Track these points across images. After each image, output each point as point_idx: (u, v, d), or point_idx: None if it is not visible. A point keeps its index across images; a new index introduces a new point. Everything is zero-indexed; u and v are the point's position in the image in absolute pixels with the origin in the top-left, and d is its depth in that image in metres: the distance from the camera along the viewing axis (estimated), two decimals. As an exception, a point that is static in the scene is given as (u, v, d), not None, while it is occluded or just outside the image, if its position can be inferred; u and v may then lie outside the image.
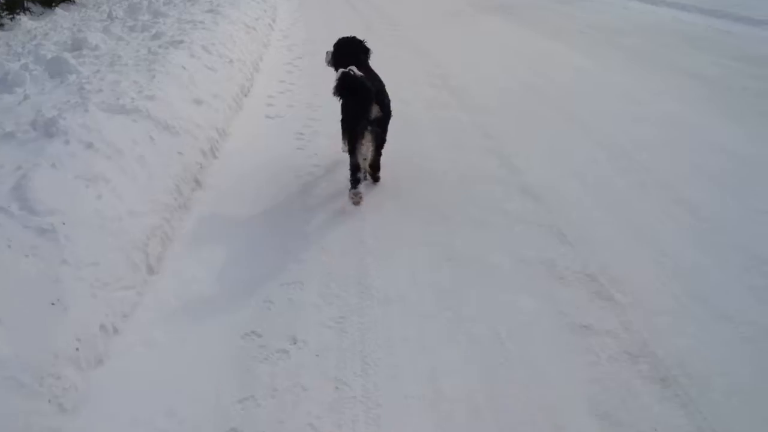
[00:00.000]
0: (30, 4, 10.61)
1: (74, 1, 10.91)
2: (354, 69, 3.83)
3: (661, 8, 13.42)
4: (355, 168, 3.89)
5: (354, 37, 4.35)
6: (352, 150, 3.88)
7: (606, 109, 5.99)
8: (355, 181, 3.89)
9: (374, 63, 4.48)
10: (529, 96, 6.46)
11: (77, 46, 6.28)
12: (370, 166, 4.12)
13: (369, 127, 3.85)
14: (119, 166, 3.40)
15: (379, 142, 4.06)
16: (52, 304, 2.42)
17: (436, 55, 8.37)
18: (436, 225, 3.74)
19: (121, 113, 3.93)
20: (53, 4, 10.56)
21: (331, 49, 4.33)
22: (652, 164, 4.65)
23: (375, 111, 3.82)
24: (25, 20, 9.22)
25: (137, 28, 7.19)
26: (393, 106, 4.17)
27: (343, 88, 3.74)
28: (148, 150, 3.72)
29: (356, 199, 3.88)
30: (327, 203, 4.01)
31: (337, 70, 4.09)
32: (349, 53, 4.16)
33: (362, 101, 3.73)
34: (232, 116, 5.26)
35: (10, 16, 9.17)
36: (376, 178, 4.21)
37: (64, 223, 2.76)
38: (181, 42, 6.08)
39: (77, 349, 2.38)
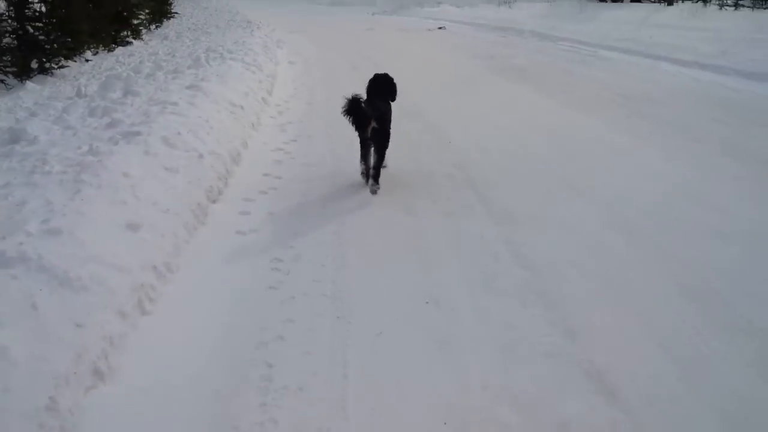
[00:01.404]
0: (3, 76, 9.60)
1: (51, 74, 9.90)
2: (360, 96, 5.00)
3: (693, 70, 12.32)
4: (366, 169, 5.29)
5: (387, 74, 5.59)
6: (363, 156, 5.30)
7: (676, 218, 4.67)
8: (365, 177, 5.30)
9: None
10: (571, 197, 5.16)
11: (13, 138, 5.12)
12: (374, 167, 5.20)
13: (372, 141, 5.12)
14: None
15: (381, 153, 5.20)
16: None
17: (453, 134, 7.14)
18: None
19: (-4, 267, 2.68)
20: (24, 78, 9.54)
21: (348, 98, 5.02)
22: None
23: (372, 125, 5.02)
24: (-20, 99, 8.19)
25: (97, 111, 6.04)
26: (398, 215, 4.69)
27: (347, 110, 5.00)
28: (19, 331, 2.43)
29: (373, 189, 5.15)
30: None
31: (368, 97, 5.31)
32: (379, 90, 5.45)
33: (361, 120, 5.02)
34: (186, 239, 3.98)
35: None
36: (376, 179, 5.19)
37: None
38: (137, 134, 4.90)
39: None
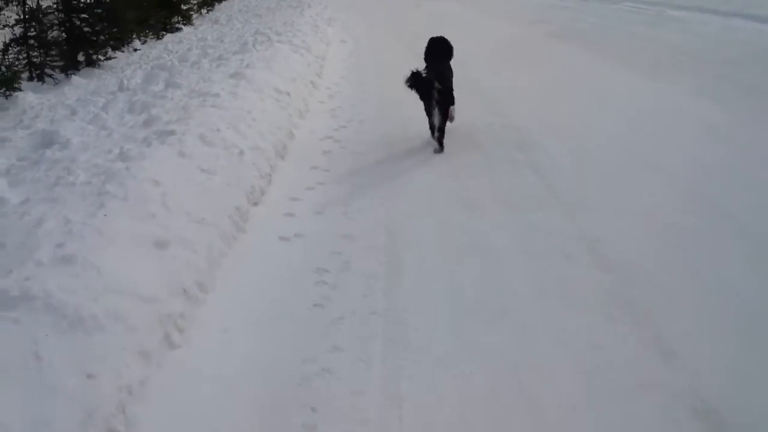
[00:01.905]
0: (51, 71, 9.47)
1: (99, 66, 9.72)
2: (419, 70, 5.38)
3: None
4: (432, 126, 5.40)
5: (443, 37, 5.91)
6: (429, 115, 5.41)
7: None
8: (432, 133, 5.44)
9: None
10: (654, 180, 4.54)
11: (46, 141, 4.85)
12: (438, 129, 5.35)
13: (435, 101, 5.26)
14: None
15: (444, 112, 5.32)
16: None
17: (515, 113, 6.54)
18: None
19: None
20: (69, 72, 9.37)
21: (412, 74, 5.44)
22: None
23: (436, 89, 5.25)
24: (24, 96, 8.02)
25: (136, 107, 5.73)
26: (458, 213, 4.23)
27: (412, 83, 5.40)
28: (17, 389, 2.08)
29: (438, 149, 5.36)
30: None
31: (427, 62, 5.71)
32: (437, 51, 5.79)
33: (426, 86, 5.30)
34: (223, 251, 3.59)
35: (7, 93, 7.95)
36: (441, 143, 5.37)
37: None
38: (172, 133, 4.53)
39: None
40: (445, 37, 5.88)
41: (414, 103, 5.65)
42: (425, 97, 5.36)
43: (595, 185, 4.51)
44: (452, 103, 5.45)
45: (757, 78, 7.48)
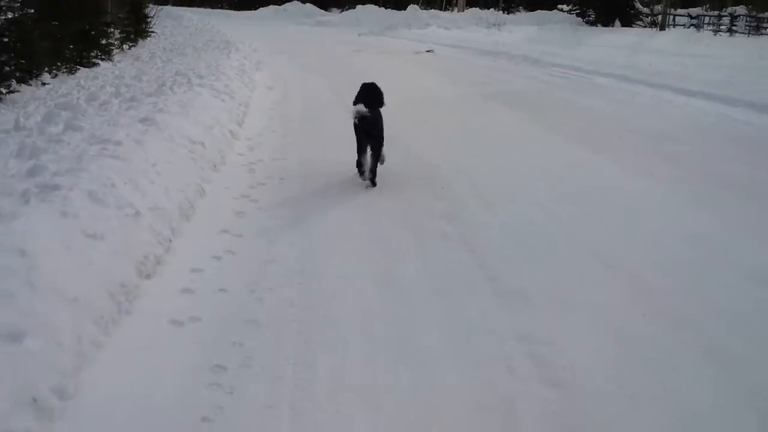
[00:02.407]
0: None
1: (0, 100, 8.87)
2: (362, 107, 5.63)
3: (700, 101, 11.56)
4: (361, 165, 5.84)
5: (374, 83, 5.98)
6: (360, 152, 5.80)
7: (723, 288, 3.74)
8: (361, 173, 5.86)
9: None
10: (594, 268, 4.21)
11: None
12: (371, 169, 5.76)
13: (368, 144, 5.74)
14: None
15: (376, 153, 5.78)
16: None
17: (446, 175, 6.20)
18: None
19: None
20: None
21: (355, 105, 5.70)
22: None
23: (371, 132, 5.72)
24: None
25: (25, 152, 5.05)
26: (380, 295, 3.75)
27: (360, 126, 5.70)
28: None
29: (368, 183, 5.79)
30: None
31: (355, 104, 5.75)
32: (369, 96, 5.82)
33: (365, 127, 5.69)
34: (98, 342, 2.96)
35: None
36: (373, 182, 5.78)
37: None
38: (56, 188, 3.90)
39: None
40: (376, 83, 5.98)
41: (339, 160, 5.23)
42: (361, 135, 5.71)
43: (536, 271, 4.13)
44: (382, 144, 5.81)
45: (696, 154, 7.46)
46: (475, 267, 4.15)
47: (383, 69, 8.54)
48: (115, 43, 16.34)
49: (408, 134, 7.84)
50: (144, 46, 18.56)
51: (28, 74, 10.14)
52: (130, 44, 18.17)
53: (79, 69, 12.29)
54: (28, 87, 10.03)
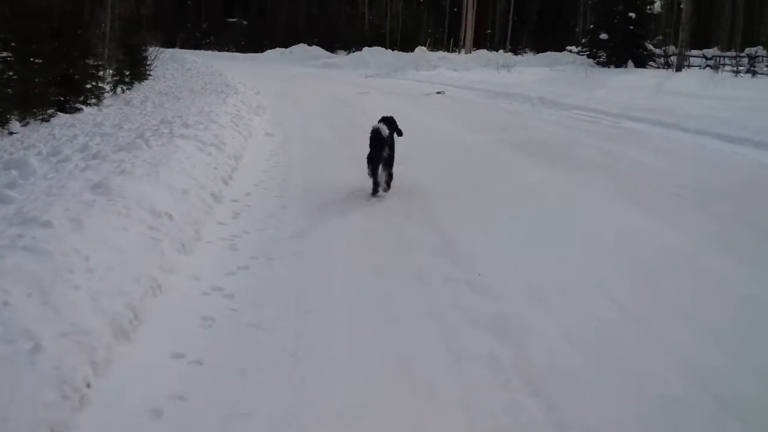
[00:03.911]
0: None
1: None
2: (383, 126, 6.48)
3: (748, 149, 10.29)
4: (375, 185, 6.51)
5: (391, 117, 6.91)
6: (373, 174, 6.44)
7: None
8: (374, 191, 6.52)
9: None
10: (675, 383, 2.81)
11: None
12: (385, 182, 6.55)
13: (382, 162, 6.39)
14: None
15: (388, 170, 6.51)
16: None
17: (479, 257, 4.84)
18: None
19: None
20: None
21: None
22: None
23: (386, 152, 6.37)
24: None
25: None
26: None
27: (372, 139, 6.43)
28: None
29: (381, 195, 6.49)
30: None
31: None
32: (388, 125, 6.64)
33: (379, 146, 6.35)
34: None
35: None
36: (385, 188, 6.60)
37: None
38: None
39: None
40: (393, 117, 6.89)
41: (345, 229, 3.91)
42: (374, 155, 6.37)
43: (626, 414, 2.74)
44: (392, 165, 6.54)
45: (760, 216, 6.12)
46: (542, 420, 2.75)
47: (394, 113, 7.61)
48: (107, 87, 15.25)
49: (432, 200, 6.54)
50: (139, 89, 17.49)
51: (-8, 122, 8.94)
52: (126, 87, 17.12)
53: (57, 115, 11.10)
54: (-6, 136, 8.83)
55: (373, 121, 6.64)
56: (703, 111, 14.49)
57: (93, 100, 13.43)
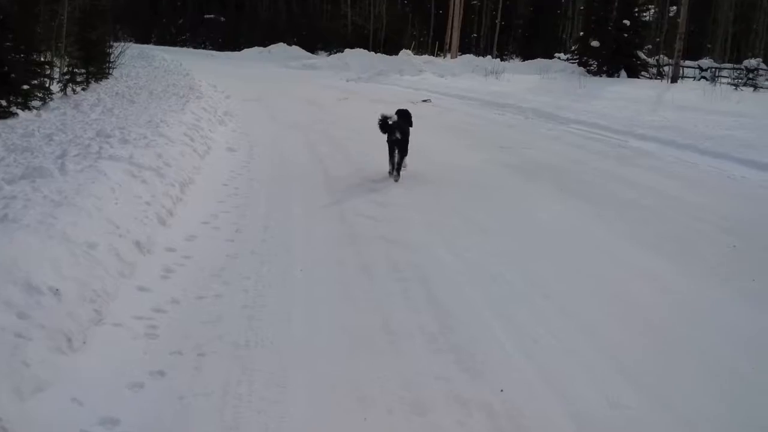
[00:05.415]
0: None
1: None
2: (390, 115, 7.67)
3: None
4: (392, 164, 7.48)
5: (407, 110, 8.10)
6: (391, 155, 7.47)
7: None
8: (390, 171, 7.49)
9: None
10: None
11: None
12: (396, 167, 7.40)
13: (396, 145, 7.39)
14: None
15: (402, 154, 7.48)
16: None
17: (484, 323, 3.37)
18: None
19: None
20: None
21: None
22: None
23: (396, 135, 7.34)
24: None
25: None
26: None
27: (382, 126, 7.53)
28: None
29: (395, 178, 7.37)
30: None
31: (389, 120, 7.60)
32: (401, 116, 7.80)
33: (390, 131, 7.41)
34: None
35: None
36: (398, 173, 7.43)
37: None
38: None
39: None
40: (408, 110, 8.10)
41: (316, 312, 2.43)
42: (390, 140, 7.44)
43: None
44: (406, 152, 7.57)
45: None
46: None
47: (374, 127, 6.77)
48: (55, 87, 13.56)
49: (425, 246, 5.07)
50: (95, 90, 15.75)
51: None
52: (81, 87, 15.40)
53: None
54: None
55: (358, 136, 6.62)
56: (719, 130, 13.17)
57: (36, 103, 11.74)
